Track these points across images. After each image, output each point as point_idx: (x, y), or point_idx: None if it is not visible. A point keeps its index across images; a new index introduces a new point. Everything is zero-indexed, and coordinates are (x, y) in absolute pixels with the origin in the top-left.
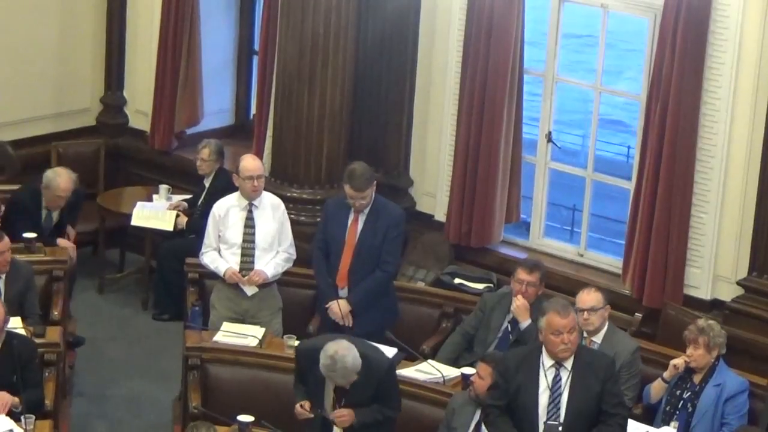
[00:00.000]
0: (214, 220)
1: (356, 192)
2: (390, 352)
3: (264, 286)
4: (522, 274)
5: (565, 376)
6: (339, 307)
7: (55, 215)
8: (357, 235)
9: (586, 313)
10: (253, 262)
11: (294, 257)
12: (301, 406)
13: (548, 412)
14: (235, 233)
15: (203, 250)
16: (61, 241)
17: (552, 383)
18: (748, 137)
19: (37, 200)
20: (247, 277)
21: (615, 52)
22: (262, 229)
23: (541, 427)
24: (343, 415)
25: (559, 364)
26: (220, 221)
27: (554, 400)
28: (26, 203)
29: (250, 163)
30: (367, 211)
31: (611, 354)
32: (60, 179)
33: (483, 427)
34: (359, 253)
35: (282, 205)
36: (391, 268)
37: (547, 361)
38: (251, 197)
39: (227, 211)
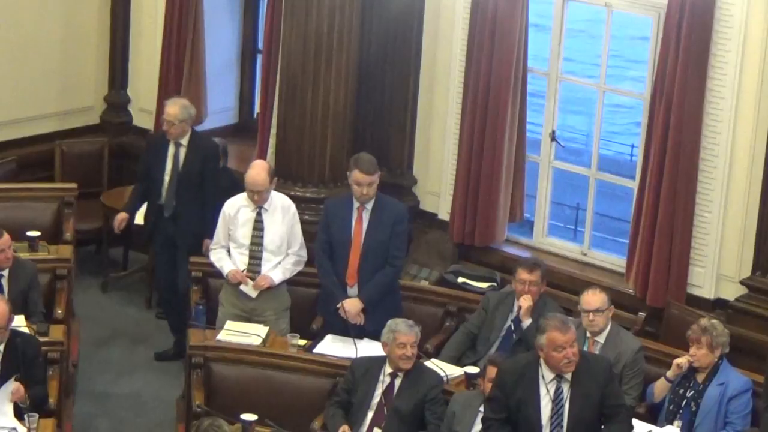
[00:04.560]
0: (224, 219)
1: (365, 175)
2: None
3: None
4: (523, 274)
5: (566, 387)
6: (350, 307)
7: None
8: (363, 233)
9: (591, 314)
10: (260, 265)
11: (304, 259)
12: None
13: (551, 424)
14: (243, 234)
15: (212, 247)
16: None
17: (554, 396)
18: (751, 136)
19: None
20: (253, 282)
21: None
22: (270, 231)
23: None
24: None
25: (559, 376)
26: (230, 220)
27: (557, 412)
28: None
29: (252, 177)
30: (370, 207)
31: (615, 353)
32: None
33: None
34: (367, 250)
35: (293, 207)
36: (399, 263)
37: (547, 374)
38: (255, 204)
39: (238, 210)
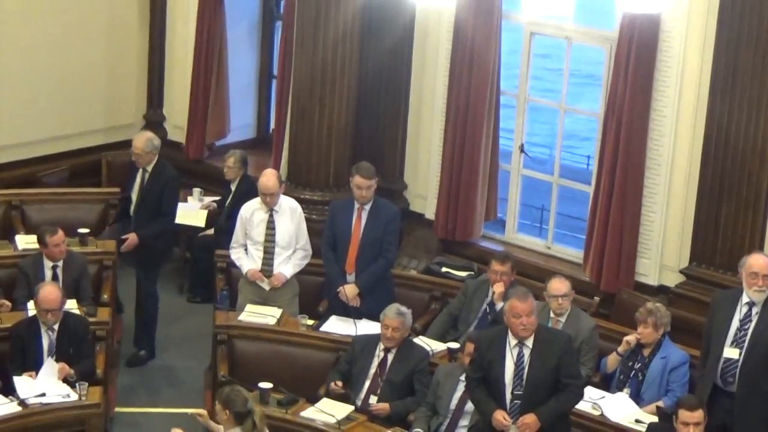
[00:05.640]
0: (242, 221)
1: (365, 180)
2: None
3: None
4: (496, 266)
5: (527, 352)
6: (348, 291)
7: None
8: (361, 230)
9: (560, 299)
10: (273, 258)
11: (310, 253)
12: (335, 383)
13: (513, 383)
14: (258, 233)
15: (232, 245)
16: None
17: (516, 359)
18: (689, 148)
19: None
20: (269, 280)
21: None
22: (281, 230)
23: (508, 395)
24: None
25: (521, 342)
26: (247, 222)
27: (518, 373)
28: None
29: (264, 183)
30: (368, 208)
31: (574, 331)
32: None
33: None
34: (364, 244)
35: (299, 208)
36: (391, 256)
37: (512, 340)
38: (267, 207)
39: (252, 213)
